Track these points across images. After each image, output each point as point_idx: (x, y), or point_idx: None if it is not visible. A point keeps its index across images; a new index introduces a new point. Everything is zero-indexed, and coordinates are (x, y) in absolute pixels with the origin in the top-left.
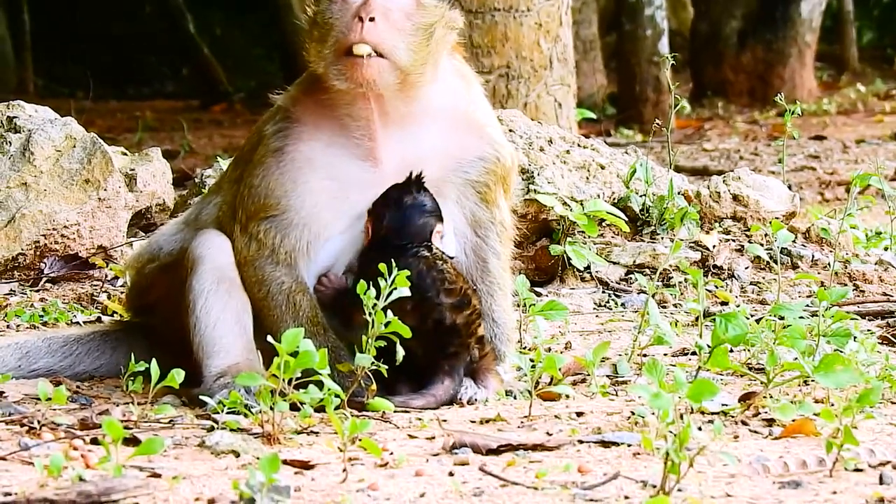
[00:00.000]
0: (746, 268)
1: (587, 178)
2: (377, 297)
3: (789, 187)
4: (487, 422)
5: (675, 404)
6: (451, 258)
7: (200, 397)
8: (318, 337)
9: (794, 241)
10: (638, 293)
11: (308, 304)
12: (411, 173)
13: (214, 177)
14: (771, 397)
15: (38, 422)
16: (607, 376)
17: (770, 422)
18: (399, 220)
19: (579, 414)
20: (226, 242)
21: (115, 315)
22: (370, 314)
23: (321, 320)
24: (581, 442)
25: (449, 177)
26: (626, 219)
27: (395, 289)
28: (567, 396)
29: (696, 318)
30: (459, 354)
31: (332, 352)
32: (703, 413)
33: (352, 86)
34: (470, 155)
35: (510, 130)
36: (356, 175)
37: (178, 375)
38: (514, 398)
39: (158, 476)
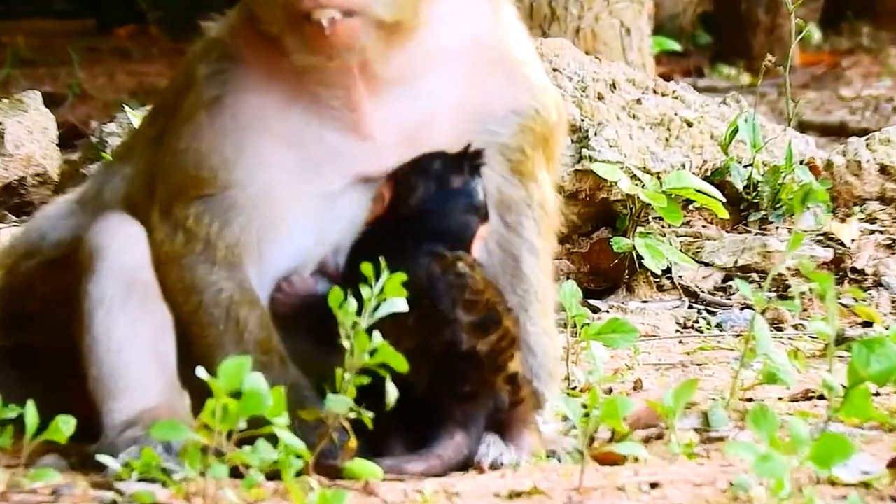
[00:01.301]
0: None
1: (667, 140)
2: (359, 312)
3: None
4: (519, 496)
5: (792, 471)
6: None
7: (98, 457)
8: (272, 370)
9: None
10: (741, 309)
11: (257, 322)
12: (469, 146)
13: (121, 135)
14: None
15: None
16: (695, 430)
17: None
18: (438, 204)
19: (653, 485)
20: (139, 231)
21: None
22: (349, 337)
23: (277, 346)
24: None
25: (467, 140)
26: (725, 200)
27: (386, 300)
28: (636, 459)
29: (826, 346)
30: (479, 397)
31: (292, 392)
32: (833, 484)
33: (321, 60)
34: (498, 107)
35: (554, 69)
36: (333, 144)
37: (65, 425)
38: (559, 461)
39: None
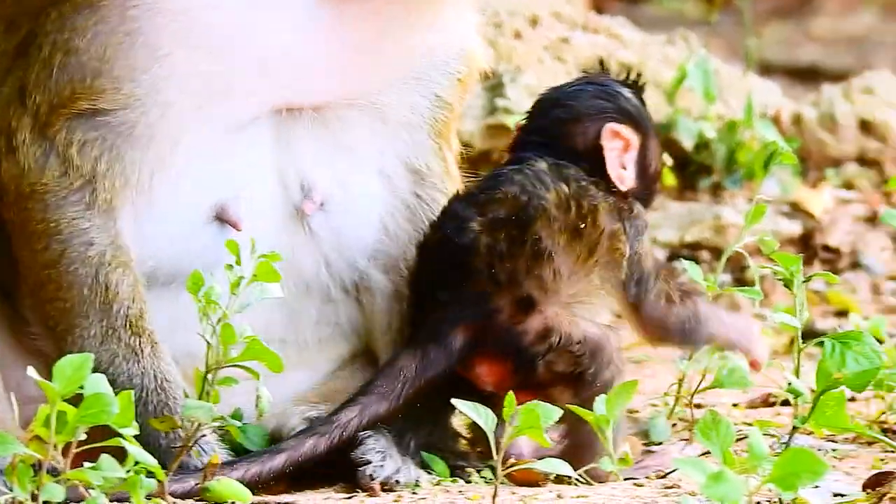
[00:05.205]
0: (882, 250)
1: None
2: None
3: None
4: None
5: (750, 493)
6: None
7: None
8: (139, 359)
9: None
10: None
11: (130, 291)
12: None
13: None
14: None
15: None
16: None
17: None
18: (560, 96)
19: None
20: None
21: None
22: (211, 322)
23: (149, 327)
24: None
25: (402, 85)
26: (670, 162)
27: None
28: (560, 479)
29: (791, 341)
30: (459, 293)
31: (159, 390)
32: None
33: None
34: (436, 55)
35: None
36: (263, 56)
37: None
38: (467, 482)
39: None
